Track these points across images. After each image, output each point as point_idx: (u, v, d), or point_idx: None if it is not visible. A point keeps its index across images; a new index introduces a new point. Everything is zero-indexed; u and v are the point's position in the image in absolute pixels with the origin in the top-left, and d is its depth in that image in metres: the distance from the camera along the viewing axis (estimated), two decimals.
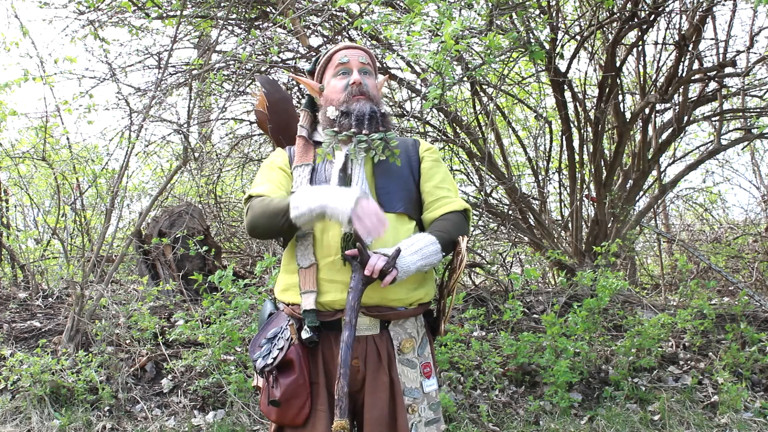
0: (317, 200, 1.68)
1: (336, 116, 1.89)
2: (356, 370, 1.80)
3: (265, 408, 1.82)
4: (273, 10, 4.63)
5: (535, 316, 4.61)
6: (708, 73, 5.10)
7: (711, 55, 5.46)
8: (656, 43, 5.63)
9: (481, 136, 5.10)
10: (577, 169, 5.33)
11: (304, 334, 1.77)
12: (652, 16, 4.74)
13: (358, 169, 1.84)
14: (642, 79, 5.40)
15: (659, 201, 6.27)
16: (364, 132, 1.85)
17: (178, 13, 4.34)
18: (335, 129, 1.88)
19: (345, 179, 1.83)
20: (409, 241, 1.76)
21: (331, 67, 1.96)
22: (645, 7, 4.67)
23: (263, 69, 4.36)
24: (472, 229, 5.51)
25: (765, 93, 5.56)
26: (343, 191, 1.70)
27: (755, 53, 4.99)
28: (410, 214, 1.88)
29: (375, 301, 1.78)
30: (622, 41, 5.08)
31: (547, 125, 5.76)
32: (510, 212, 5.44)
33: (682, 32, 4.84)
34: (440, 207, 1.90)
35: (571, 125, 5.29)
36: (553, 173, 6.07)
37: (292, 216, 1.70)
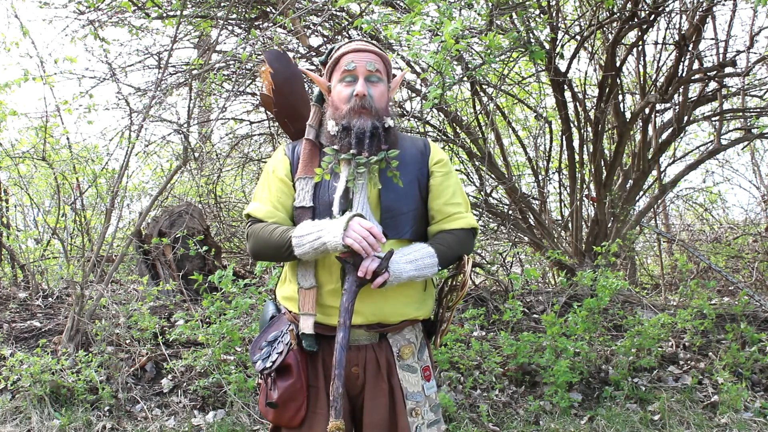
0: (317, 237, 1.70)
1: (336, 131, 1.81)
2: (356, 376, 1.81)
3: (263, 408, 1.84)
4: (273, 10, 4.63)
5: (535, 316, 4.61)
6: (708, 73, 5.10)
7: (711, 55, 5.46)
8: (656, 43, 5.63)
9: (481, 136, 5.10)
10: (577, 169, 5.33)
11: (305, 343, 1.78)
12: (652, 16, 4.75)
13: (359, 194, 1.78)
14: (642, 79, 5.40)
15: (659, 201, 6.27)
16: (363, 154, 1.77)
17: (178, 13, 4.34)
18: (336, 147, 1.80)
19: (347, 204, 1.79)
20: (406, 250, 1.76)
21: (338, 70, 1.85)
22: (645, 7, 4.67)
23: (263, 69, 4.35)
24: None
25: (765, 93, 5.56)
26: (337, 221, 1.70)
27: (755, 53, 4.99)
28: (414, 239, 1.84)
29: (376, 320, 1.79)
30: (622, 41, 5.08)
31: (547, 125, 5.76)
32: (510, 212, 5.44)
33: (682, 32, 4.84)
34: (449, 222, 1.86)
35: (571, 125, 5.29)
36: (553, 173, 6.07)
37: (297, 254, 1.73)
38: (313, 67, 4.81)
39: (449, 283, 1.93)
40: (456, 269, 1.90)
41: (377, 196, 1.82)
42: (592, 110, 5.24)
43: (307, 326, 1.77)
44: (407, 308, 1.82)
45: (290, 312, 1.86)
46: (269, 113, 2.26)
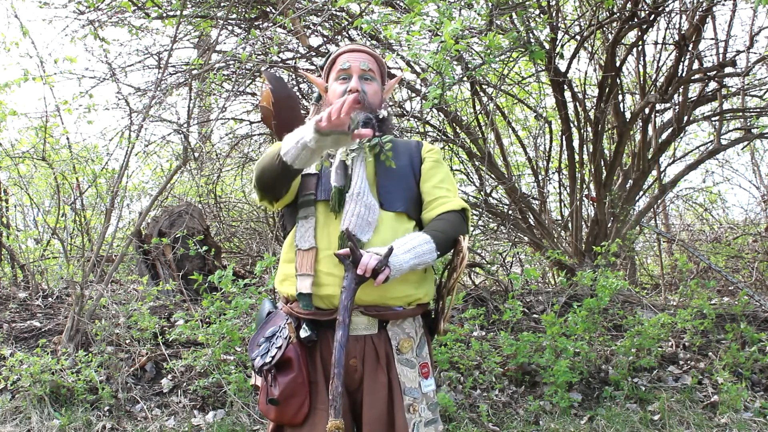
0: (298, 133, 1.71)
1: None
2: (354, 369, 1.80)
3: (263, 407, 1.82)
4: (273, 10, 4.63)
5: (535, 316, 4.61)
6: (708, 73, 5.10)
7: (711, 55, 5.46)
8: (656, 43, 5.63)
9: (481, 136, 5.10)
10: (577, 169, 5.33)
11: (303, 333, 1.77)
12: (652, 16, 4.75)
13: (358, 168, 1.85)
14: (642, 79, 5.40)
15: (659, 201, 6.27)
16: None
17: (178, 13, 4.34)
18: None
19: (345, 178, 1.84)
20: (402, 240, 1.76)
21: (334, 70, 1.96)
22: (645, 7, 4.67)
23: (264, 68, 4.35)
24: (472, 228, 5.51)
25: (765, 93, 5.57)
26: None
27: (755, 53, 4.99)
28: (410, 214, 1.88)
29: (373, 299, 1.78)
30: (622, 41, 5.08)
31: (547, 125, 5.76)
32: (510, 212, 5.44)
33: (682, 32, 4.84)
34: (438, 206, 1.90)
35: (571, 125, 5.29)
36: (553, 173, 6.07)
37: (283, 154, 1.73)
38: (312, 68, 4.81)
39: (447, 269, 1.93)
40: (453, 253, 1.91)
41: (374, 176, 1.88)
42: (592, 110, 5.24)
43: (304, 286, 1.77)
44: (406, 286, 1.81)
45: (287, 303, 1.86)
46: (269, 128, 2.33)
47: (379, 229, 1.79)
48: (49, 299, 4.68)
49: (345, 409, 1.74)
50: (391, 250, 1.69)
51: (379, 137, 1.87)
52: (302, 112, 2.28)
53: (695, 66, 5.04)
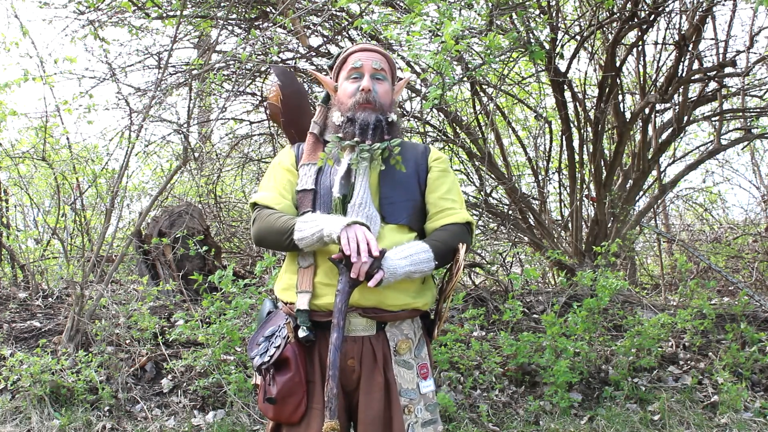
0: (318, 225, 1.73)
1: (341, 122, 1.90)
2: (351, 370, 1.80)
3: (262, 405, 1.83)
4: (273, 10, 4.63)
5: (535, 316, 4.61)
6: (708, 73, 5.10)
7: (711, 55, 5.47)
8: (656, 43, 5.63)
9: (481, 136, 5.10)
10: (577, 169, 5.33)
11: (301, 333, 1.78)
12: (652, 16, 4.75)
13: (361, 177, 1.84)
14: (642, 79, 5.40)
15: (659, 201, 6.27)
16: (367, 141, 1.84)
17: (178, 13, 4.34)
18: (339, 135, 1.89)
19: (348, 187, 1.83)
20: (400, 246, 1.77)
21: (345, 68, 1.96)
22: (645, 7, 4.67)
23: (263, 69, 4.35)
24: None
25: (765, 93, 5.57)
26: (342, 218, 1.73)
27: (755, 53, 5.00)
28: (412, 226, 1.88)
29: (372, 303, 1.78)
30: (622, 41, 5.08)
31: (547, 125, 5.76)
32: (510, 212, 5.44)
33: (682, 32, 4.84)
34: (442, 218, 1.89)
35: (571, 125, 5.29)
36: (553, 173, 6.07)
37: (295, 239, 1.76)
38: (313, 67, 4.81)
39: (446, 276, 1.93)
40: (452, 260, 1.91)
41: (377, 184, 1.87)
42: (592, 110, 5.24)
43: (302, 303, 1.79)
44: (404, 295, 1.81)
45: (287, 304, 1.86)
46: (277, 125, 2.34)
47: (379, 241, 1.78)
48: (49, 299, 4.68)
49: (341, 410, 1.75)
50: (383, 252, 1.70)
51: (388, 140, 1.86)
52: (312, 106, 2.25)
53: (695, 66, 5.04)
